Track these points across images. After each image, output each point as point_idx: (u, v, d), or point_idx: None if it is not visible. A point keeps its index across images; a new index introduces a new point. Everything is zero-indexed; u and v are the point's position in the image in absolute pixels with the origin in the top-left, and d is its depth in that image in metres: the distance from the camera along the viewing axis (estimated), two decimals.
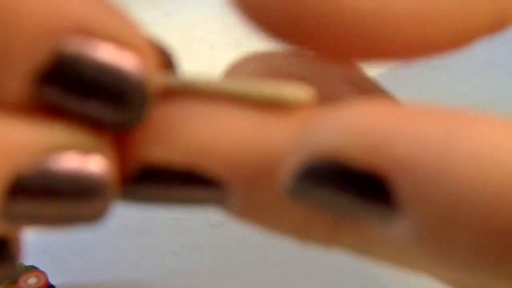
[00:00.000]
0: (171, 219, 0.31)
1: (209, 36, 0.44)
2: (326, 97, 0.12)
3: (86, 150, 0.11)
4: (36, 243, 0.30)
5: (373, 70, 0.14)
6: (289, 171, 0.11)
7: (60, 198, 0.11)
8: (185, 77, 0.12)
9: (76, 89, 0.11)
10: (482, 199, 0.09)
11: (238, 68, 0.14)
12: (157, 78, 0.12)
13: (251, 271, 0.29)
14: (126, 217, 0.31)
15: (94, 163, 0.11)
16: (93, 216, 0.12)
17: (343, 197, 0.10)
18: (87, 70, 0.10)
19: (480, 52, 0.32)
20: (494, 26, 0.12)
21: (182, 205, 0.12)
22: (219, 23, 0.44)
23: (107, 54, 0.11)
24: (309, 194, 0.11)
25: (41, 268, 0.29)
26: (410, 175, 0.10)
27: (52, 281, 0.29)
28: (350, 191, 0.10)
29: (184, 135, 0.11)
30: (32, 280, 0.29)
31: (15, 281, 0.28)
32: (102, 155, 0.11)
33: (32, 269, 0.29)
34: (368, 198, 0.10)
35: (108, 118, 0.11)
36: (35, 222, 0.11)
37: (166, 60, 0.13)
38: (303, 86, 0.12)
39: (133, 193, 0.12)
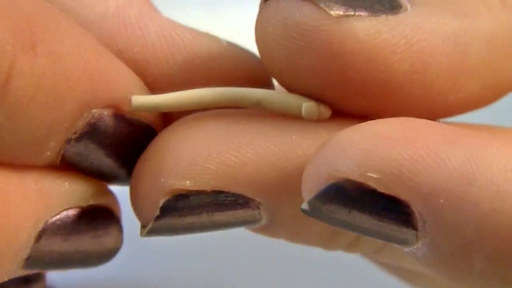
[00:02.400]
0: None
1: None
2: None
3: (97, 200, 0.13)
4: None
5: None
6: (308, 192, 0.11)
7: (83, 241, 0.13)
8: (190, 94, 0.12)
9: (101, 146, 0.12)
10: (501, 228, 0.10)
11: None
12: (165, 104, 0.12)
13: (251, 271, 0.29)
14: (126, 217, 0.31)
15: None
16: (114, 248, 0.14)
17: (363, 217, 0.11)
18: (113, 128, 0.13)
19: None
20: None
21: (212, 229, 0.12)
22: (209, 25, 0.44)
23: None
24: (328, 213, 0.11)
25: None
26: (432, 205, 0.10)
27: (52, 281, 0.29)
28: (370, 211, 0.11)
29: (210, 161, 0.12)
30: None
31: None
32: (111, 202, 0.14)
33: None
34: (388, 219, 0.11)
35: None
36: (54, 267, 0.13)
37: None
38: (316, 102, 0.12)
39: (166, 222, 0.12)
